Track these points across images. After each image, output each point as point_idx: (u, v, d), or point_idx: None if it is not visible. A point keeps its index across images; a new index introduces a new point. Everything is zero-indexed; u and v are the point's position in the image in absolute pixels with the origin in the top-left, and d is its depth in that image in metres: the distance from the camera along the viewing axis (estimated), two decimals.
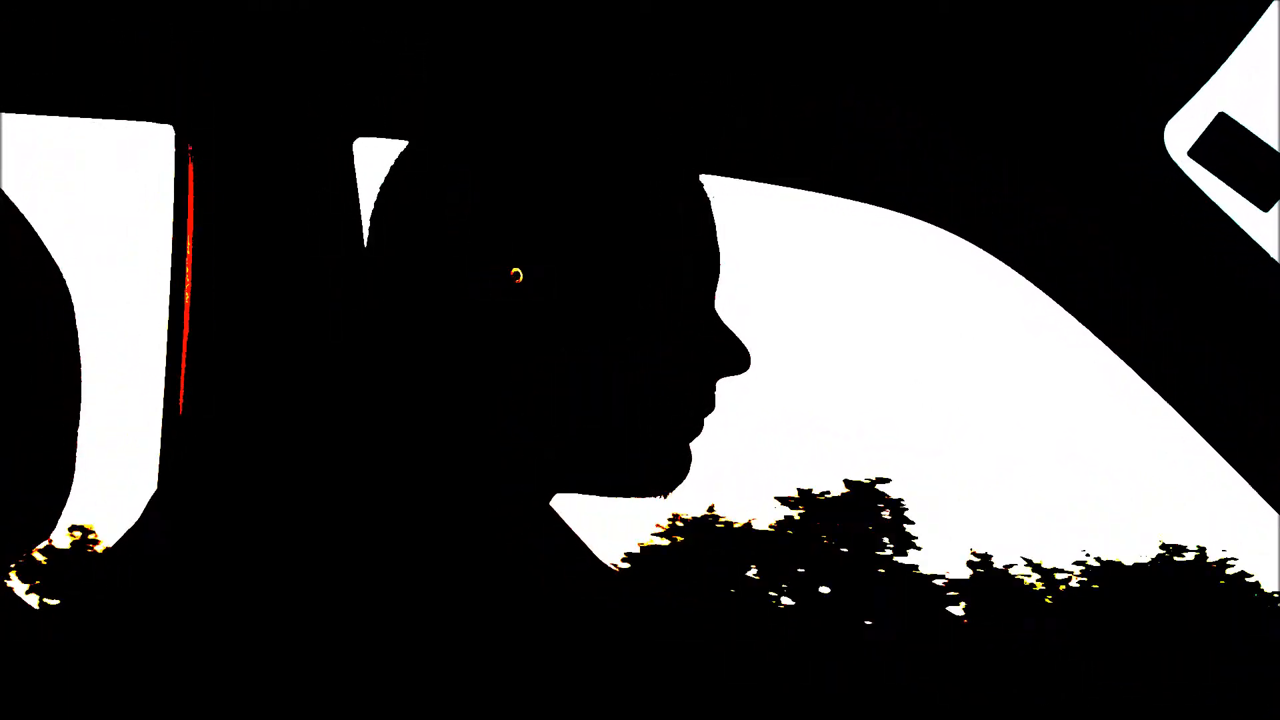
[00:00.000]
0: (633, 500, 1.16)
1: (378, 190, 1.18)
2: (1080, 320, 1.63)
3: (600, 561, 1.23)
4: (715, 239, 1.17)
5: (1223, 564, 31.79)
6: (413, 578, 1.06)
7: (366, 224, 1.20)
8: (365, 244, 1.19)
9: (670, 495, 1.16)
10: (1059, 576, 31.92)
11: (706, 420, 1.16)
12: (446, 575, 1.08)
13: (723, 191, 1.24)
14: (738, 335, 1.15)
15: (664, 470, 1.15)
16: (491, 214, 1.11)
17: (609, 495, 1.16)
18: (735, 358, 1.14)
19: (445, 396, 1.14)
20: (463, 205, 1.11)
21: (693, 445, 1.16)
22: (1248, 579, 31.37)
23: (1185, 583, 30.78)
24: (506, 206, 1.11)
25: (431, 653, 1.03)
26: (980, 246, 1.65)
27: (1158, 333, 1.57)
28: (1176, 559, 31.70)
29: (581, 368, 1.11)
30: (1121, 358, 1.60)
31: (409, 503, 1.10)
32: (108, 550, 1.08)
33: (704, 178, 1.19)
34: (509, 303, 1.11)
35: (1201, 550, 31.77)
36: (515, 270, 1.10)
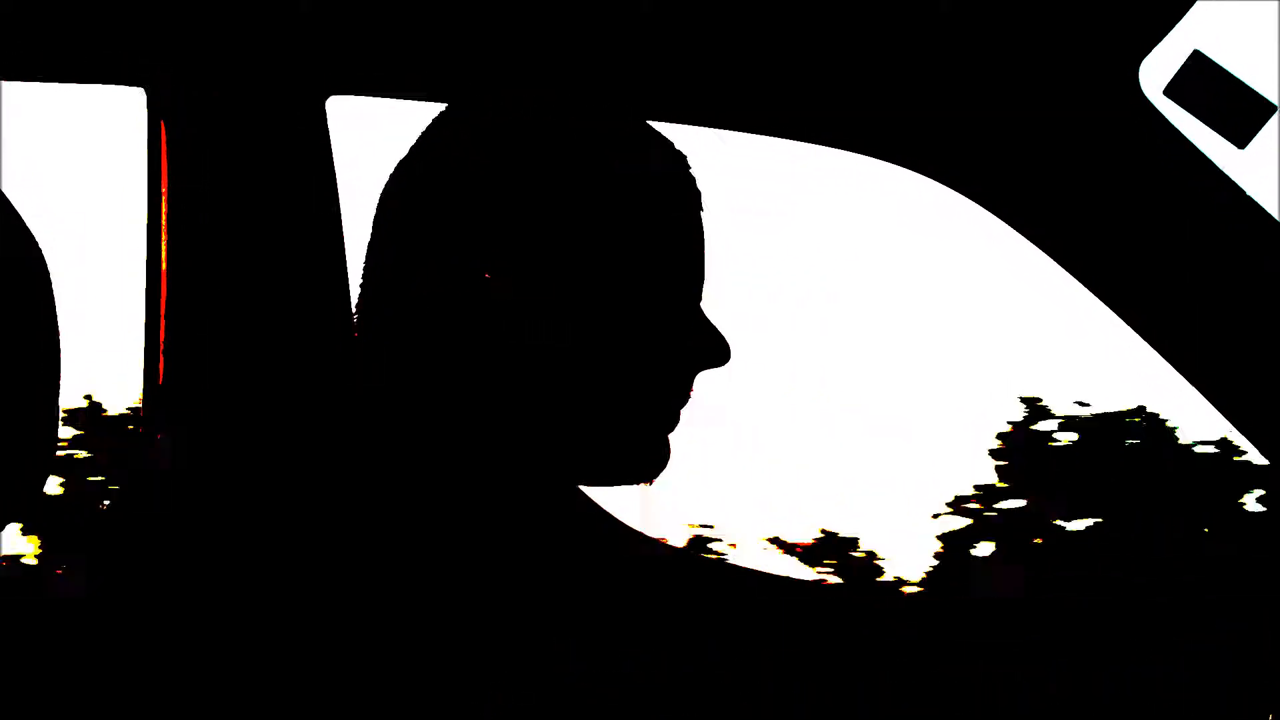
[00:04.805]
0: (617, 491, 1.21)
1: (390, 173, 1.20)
2: (1056, 261, 1.63)
3: (626, 526, 1.27)
4: (702, 235, 1.19)
5: None
6: (415, 563, 1.08)
7: (374, 207, 1.20)
8: (375, 224, 1.20)
9: (653, 483, 1.21)
10: None
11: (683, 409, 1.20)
12: (454, 557, 1.12)
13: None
14: (720, 331, 1.18)
15: (645, 460, 1.19)
16: (476, 209, 1.12)
17: (595, 484, 1.21)
18: (717, 353, 1.18)
19: (431, 381, 1.14)
20: (452, 198, 1.13)
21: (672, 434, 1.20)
22: None
23: None
24: (492, 202, 1.12)
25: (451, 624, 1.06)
26: (954, 189, 1.64)
27: (1135, 272, 1.58)
28: None
29: (564, 362, 1.13)
30: (1100, 298, 1.60)
31: (405, 485, 1.11)
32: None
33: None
34: (488, 298, 1.12)
35: None
36: (486, 273, 1.12)
